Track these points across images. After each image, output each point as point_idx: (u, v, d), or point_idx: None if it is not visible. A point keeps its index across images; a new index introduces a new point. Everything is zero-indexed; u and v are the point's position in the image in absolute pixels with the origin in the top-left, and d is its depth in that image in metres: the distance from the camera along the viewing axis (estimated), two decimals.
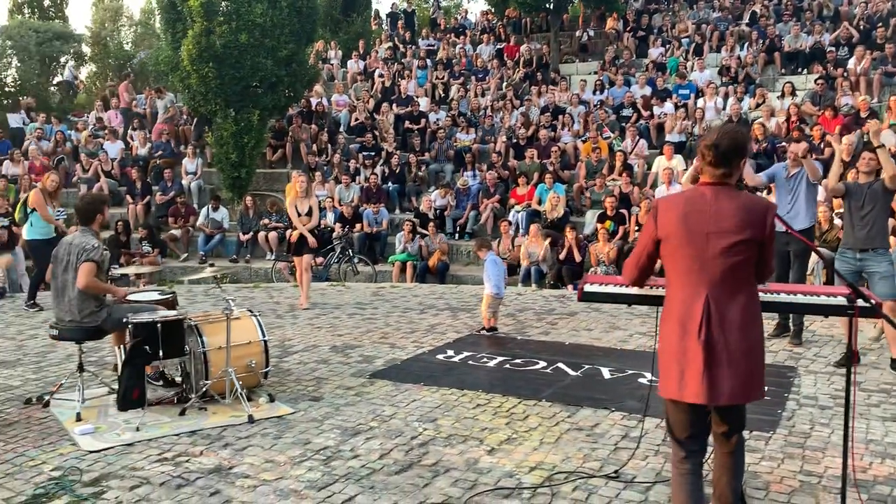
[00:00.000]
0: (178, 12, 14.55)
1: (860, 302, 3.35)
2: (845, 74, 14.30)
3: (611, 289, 3.73)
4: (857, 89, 13.84)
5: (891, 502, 3.88)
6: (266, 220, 14.11)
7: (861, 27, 15.98)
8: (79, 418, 5.09)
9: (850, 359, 3.48)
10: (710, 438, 3.31)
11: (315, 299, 9.78)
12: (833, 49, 15.47)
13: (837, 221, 10.09)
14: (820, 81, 14.02)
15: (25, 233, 9.17)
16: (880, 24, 15.78)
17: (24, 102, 19.14)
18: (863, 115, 12.78)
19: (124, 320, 5.16)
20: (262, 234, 13.88)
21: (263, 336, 5.67)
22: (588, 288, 3.76)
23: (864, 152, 6.35)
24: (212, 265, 5.83)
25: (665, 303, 3.19)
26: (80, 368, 5.37)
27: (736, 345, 2.99)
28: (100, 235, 5.51)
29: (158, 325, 5.04)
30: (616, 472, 4.22)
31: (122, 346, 5.45)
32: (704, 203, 3.05)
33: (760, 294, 3.31)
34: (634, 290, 3.64)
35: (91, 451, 4.59)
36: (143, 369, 5.12)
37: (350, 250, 12.93)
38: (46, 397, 5.51)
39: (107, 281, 5.56)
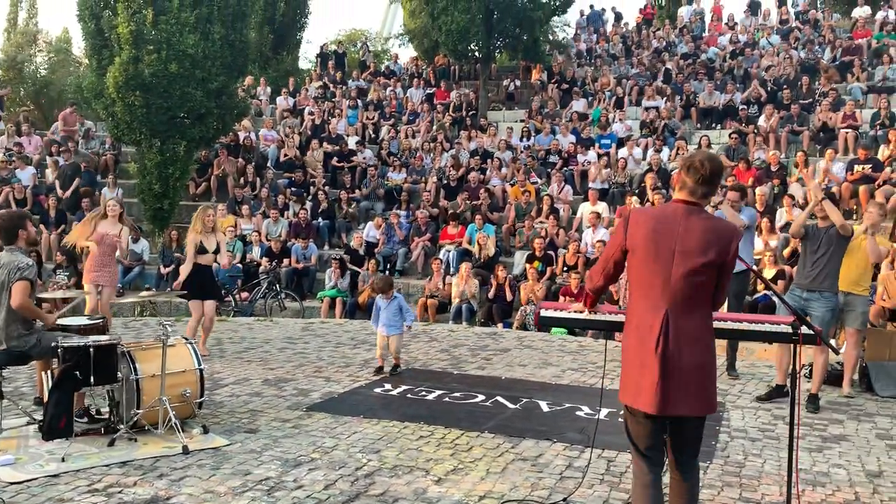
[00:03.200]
0: (104, 38, 14.16)
1: (804, 329, 3.53)
2: (756, 131, 15.18)
3: (567, 314, 3.80)
4: (767, 144, 14.70)
5: None
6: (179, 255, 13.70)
7: (769, 88, 17.05)
8: None
9: (795, 380, 3.65)
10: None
11: (242, 333, 9.53)
12: (745, 107, 16.43)
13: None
14: (734, 136, 14.82)
15: None
16: (786, 85, 16.89)
17: None
18: (773, 168, 13.57)
19: (53, 345, 4.89)
20: (183, 267, 13.43)
21: (199, 364, 5.48)
22: (545, 313, 3.83)
23: (820, 202, 6.68)
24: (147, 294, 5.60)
25: (627, 314, 3.29)
26: (0, 395, 5.03)
27: (689, 359, 3.11)
28: (28, 253, 5.23)
29: (91, 349, 4.80)
30: (565, 499, 4.24)
31: (48, 372, 5.14)
32: (675, 220, 3.17)
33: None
34: (588, 316, 3.72)
35: (12, 483, 4.29)
36: (71, 396, 4.84)
37: (277, 285, 12.70)
38: None
39: (35, 305, 5.26)
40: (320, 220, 14.61)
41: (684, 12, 23.55)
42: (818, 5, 22.77)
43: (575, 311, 3.78)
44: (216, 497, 4.18)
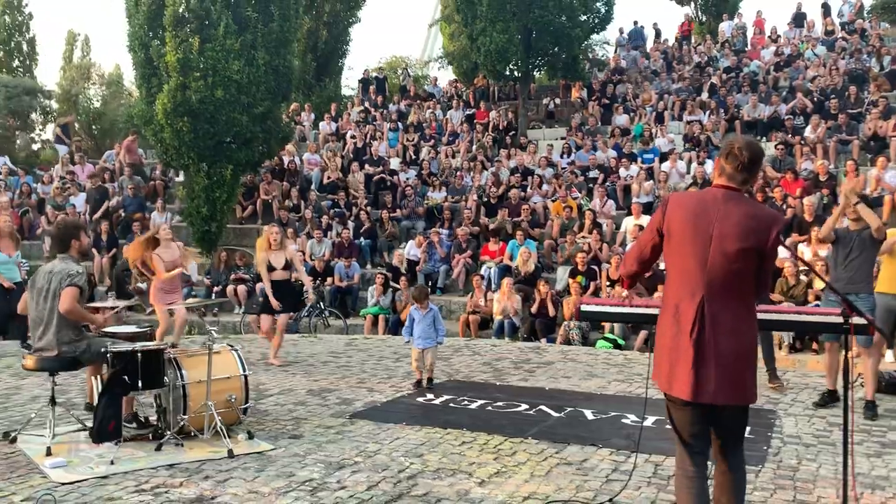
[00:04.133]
0: (153, 67, 14.62)
1: (855, 319, 3.42)
2: (803, 141, 14.88)
3: (607, 308, 3.76)
4: (815, 154, 14.39)
5: None
6: (235, 274, 13.94)
7: (815, 99, 16.74)
8: (49, 453, 4.86)
9: (847, 382, 3.53)
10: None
11: (287, 349, 9.59)
12: (790, 117, 16.14)
13: (803, 277, 10.33)
14: (780, 147, 14.56)
15: None
16: (833, 96, 16.56)
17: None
18: (822, 178, 13.27)
19: (103, 350, 5.00)
20: (230, 288, 13.69)
21: (244, 371, 5.55)
22: (585, 307, 3.79)
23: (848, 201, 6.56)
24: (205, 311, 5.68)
25: (663, 298, 3.23)
26: (53, 402, 5.16)
27: (726, 347, 3.03)
28: (80, 262, 5.37)
29: (138, 354, 4.90)
30: (611, 500, 4.15)
31: (97, 377, 5.26)
32: (714, 205, 3.11)
33: (761, 314, 3.35)
34: (630, 310, 3.67)
35: (63, 483, 4.38)
36: (120, 400, 4.94)
37: (321, 303, 12.80)
38: (13, 433, 5.27)
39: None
40: (362, 239, 14.74)
41: (725, 27, 23.31)
42: (864, 15, 22.33)
43: (615, 307, 3.73)
44: (260, 497, 4.20)
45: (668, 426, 3.28)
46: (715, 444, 3.22)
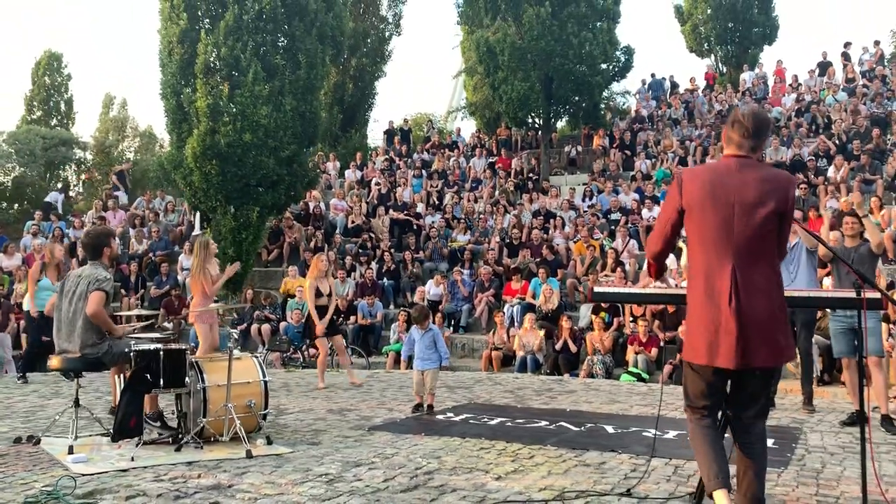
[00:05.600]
0: (184, 113, 15.12)
1: (868, 294, 3.42)
2: (826, 182, 14.86)
3: (621, 290, 3.79)
4: (839, 193, 14.35)
5: None
6: (259, 312, 14.07)
7: (837, 141, 16.76)
8: (71, 451, 4.91)
9: (863, 375, 3.51)
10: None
11: (310, 380, 9.64)
12: (812, 159, 16.16)
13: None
14: (803, 186, 14.54)
15: (24, 304, 9.13)
16: (856, 138, 16.58)
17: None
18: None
19: (126, 350, 5.10)
20: (254, 327, 13.80)
21: (264, 377, 5.60)
22: (598, 289, 3.82)
23: (846, 217, 6.62)
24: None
25: (690, 272, 3.24)
26: (76, 403, 5.24)
27: (762, 310, 3.04)
28: (109, 269, 5.52)
29: (161, 353, 4.99)
30: (628, 490, 4.10)
31: (120, 377, 5.35)
32: (729, 173, 3.16)
33: None
34: (644, 290, 3.70)
35: (84, 474, 4.43)
36: (142, 397, 5.01)
37: (344, 341, 12.82)
38: (38, 435, 5.35)
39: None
40: (385, 279, 14.85)
41: (746, 77, 23.55)
42: (885, 63, 22.47)
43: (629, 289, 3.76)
44: (277, 486, 4.21)
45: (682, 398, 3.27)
46: (735, 418, 3.19)
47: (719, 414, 3.22)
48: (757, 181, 3.12)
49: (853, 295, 3.47)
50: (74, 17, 67.78)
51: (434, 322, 12.59)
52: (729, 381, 3.19)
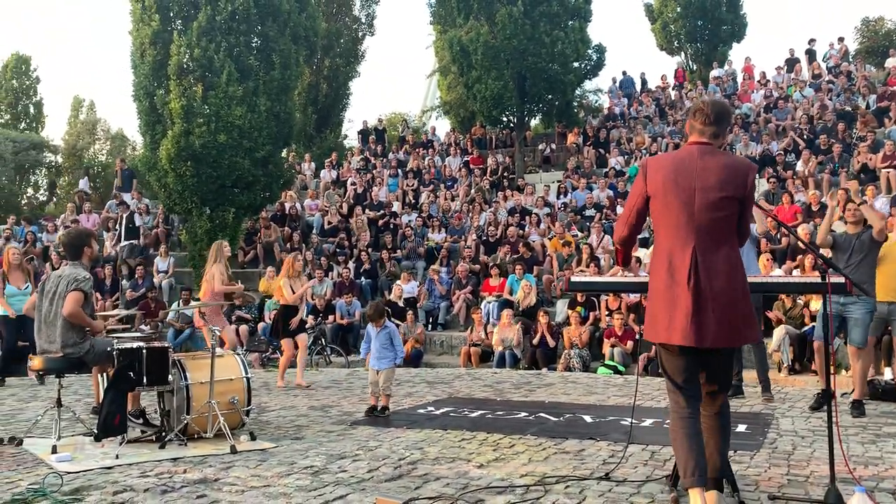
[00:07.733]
0: (158, 115, 15.03)
1: (832, 278, 3.56)
2: (794, 175, 15.18)
3: (596, 279, 3.90)
4: (806, 187, 14.67)
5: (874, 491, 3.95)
6: (237, 313, 14.04)
7: (805, 136, 17.11)
8: (54, 451, 4.92)
9: (829, 359, 3.65)
10: None
11: (289, 378, 9.65)
12: (781, 153, 16.48)
13: (800, 300, 10.44)
14: (772, 180, 14.84)
15: None
16: (822, 133, 16.93)
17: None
18: (814, 208, 13.50)
19: (109, 349, 5.12)
20: (232, 328, 13.74)
21: (246, 373, 5.64)
22: (575, 278, 3.93)
23: (849, 204, 6.73)
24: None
25: (653, 255, 3.37)
26: (59, 403, 5.25)
27: (721, 291, 3.17)
28: (88, 269, 5.53)
29: (143, 350, 5.02)
30: (607, 474, 4.22)
31: (103, 375, 5.36)
32: (692, 161, 3.30)
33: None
34: (619, 279, 3.82)
35: (70, 472, 4.45)
36: (125, 395, 5.04)
37: (322, 340, 12.88)
38: (19, 437, 5.35)
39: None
40: (363, 279, 14.89)
41: (716, 74, 23.93)
42: (850, 59, 22.94)
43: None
44: (263, 479, 4.27)
45: (662, 377, 3.40)
46: (706, 388, 3.33)
47: (699, 402, 3.34)
48: (718, 167, 3.25)
49: (818, 280, 3.60)
50: (41, 19, 66.82)
51: (407, 319, 12.72)
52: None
